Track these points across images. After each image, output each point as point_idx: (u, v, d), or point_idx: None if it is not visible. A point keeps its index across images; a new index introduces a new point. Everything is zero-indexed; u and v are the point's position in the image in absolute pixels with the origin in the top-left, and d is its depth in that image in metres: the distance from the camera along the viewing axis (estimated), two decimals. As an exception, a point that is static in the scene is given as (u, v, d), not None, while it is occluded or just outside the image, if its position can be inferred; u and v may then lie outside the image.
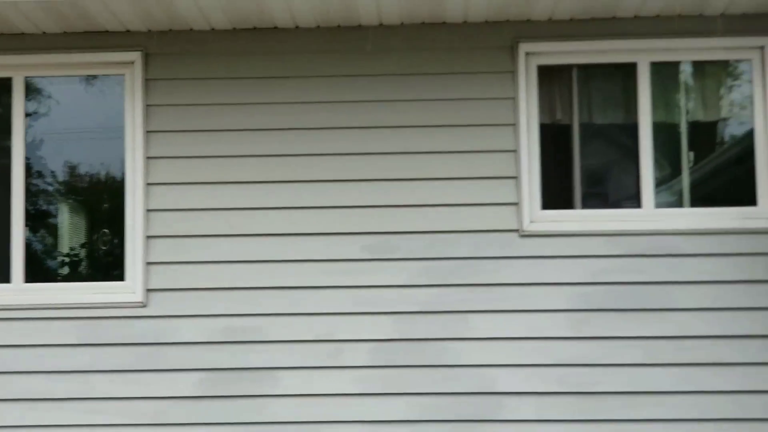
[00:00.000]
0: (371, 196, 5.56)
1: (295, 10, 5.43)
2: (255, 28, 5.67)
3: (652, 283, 5.49)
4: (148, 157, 5.68)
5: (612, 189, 5.87)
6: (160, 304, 5.57)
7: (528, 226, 5.52)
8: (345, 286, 5.50)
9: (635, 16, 5.58)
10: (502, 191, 5.53)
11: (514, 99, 5.57)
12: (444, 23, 5.63)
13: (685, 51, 5.68)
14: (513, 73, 5.60)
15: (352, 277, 5.51)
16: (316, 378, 5.48)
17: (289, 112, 5.63)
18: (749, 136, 5.67)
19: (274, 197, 5.58)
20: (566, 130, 5.76)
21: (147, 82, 5.74)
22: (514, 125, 5.56)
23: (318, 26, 5.66)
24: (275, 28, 5.66)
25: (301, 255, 5.53)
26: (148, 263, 5.61)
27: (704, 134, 5.88)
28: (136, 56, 5.76)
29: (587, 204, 5.69)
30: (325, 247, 5.53)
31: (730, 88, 5.84)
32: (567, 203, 5.66)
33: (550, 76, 5.72)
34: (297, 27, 5.66)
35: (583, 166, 5.71)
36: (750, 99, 5.67)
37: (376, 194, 5.56)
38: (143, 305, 5.58)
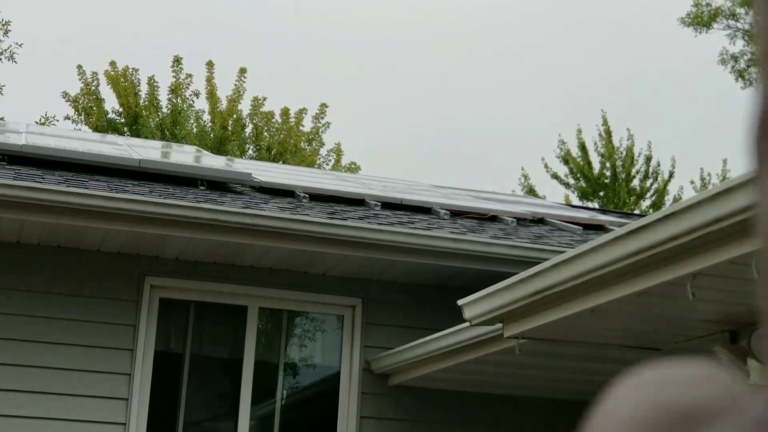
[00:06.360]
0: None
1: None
2: None
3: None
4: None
5: (213, 418, 6.46)
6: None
7: (134, 447, 5.92)
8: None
9: (252, 266, 6.34)
10: (112, 412, 5.91)
11: (135, 326, 6.06)
12: (78, 248, 6.06)
13: (291, 302, 6.49)
14: (137, 302, 6.10)
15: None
16: None
17: None
18: (336, 377, 6.51)
19: None
20: (179, 359, 6.32)
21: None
22: (132, 350, 6.02)
23: None
24: None
25: None
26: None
27: (298, 373, 6.69)
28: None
29: (189, 430, 6.21)
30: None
31: (323, 336, 6.71)
32: (171, 428, 6.15)
33: (170, 309, 6.28)
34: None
35: (189, 393, 6.26)
36: (339, 347, 6.55)
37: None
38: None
